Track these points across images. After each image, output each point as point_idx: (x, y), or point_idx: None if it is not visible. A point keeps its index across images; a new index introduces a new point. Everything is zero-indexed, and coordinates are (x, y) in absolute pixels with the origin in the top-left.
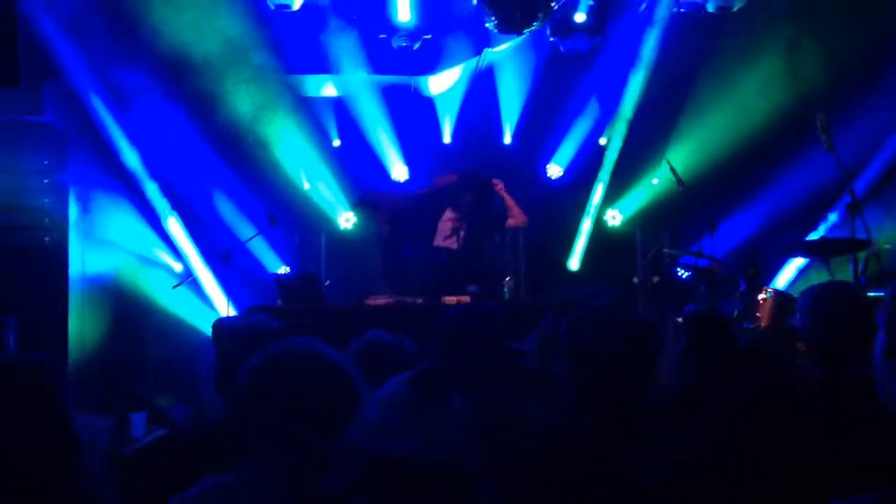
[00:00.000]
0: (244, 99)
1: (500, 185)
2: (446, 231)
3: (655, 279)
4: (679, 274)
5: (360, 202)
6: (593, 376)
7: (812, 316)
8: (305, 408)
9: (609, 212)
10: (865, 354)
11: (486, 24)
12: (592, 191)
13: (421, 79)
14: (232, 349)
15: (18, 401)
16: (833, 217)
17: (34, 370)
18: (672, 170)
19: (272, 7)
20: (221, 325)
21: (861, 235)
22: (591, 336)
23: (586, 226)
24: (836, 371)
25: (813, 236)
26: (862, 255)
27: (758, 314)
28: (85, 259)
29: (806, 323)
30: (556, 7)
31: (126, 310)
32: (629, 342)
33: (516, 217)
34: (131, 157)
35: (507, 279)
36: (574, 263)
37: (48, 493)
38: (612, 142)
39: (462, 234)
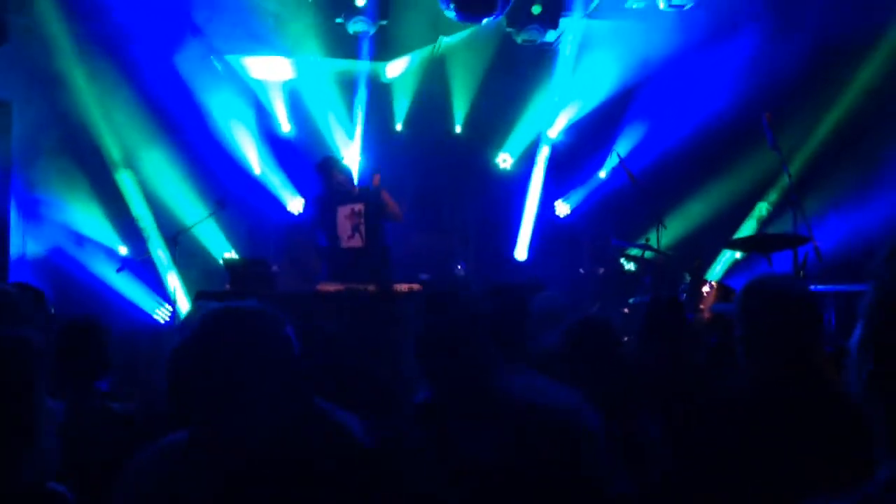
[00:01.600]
0: (192, 79)
1: (376, 179)
2: (347, 231)
3: (601, 270)
4: (624, 265)
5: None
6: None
7: (747, 310)
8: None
9: (557, 203)
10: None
11: (445, 12)
12: (539, 182)
13: (378, 64)
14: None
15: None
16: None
17: (22, 347)
18: (621, 163)
19: None
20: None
21: (802, 231)
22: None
23: (530, 216)
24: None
25: (746, 231)
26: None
27: (701, 305)
28: (26, 239)
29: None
30: None
31: (68, 292)
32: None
33: (395, 214)
34: (81, 135)
35: (459, 267)
36: (521, 253)
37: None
38: (563, 133)
39: (362, 229)
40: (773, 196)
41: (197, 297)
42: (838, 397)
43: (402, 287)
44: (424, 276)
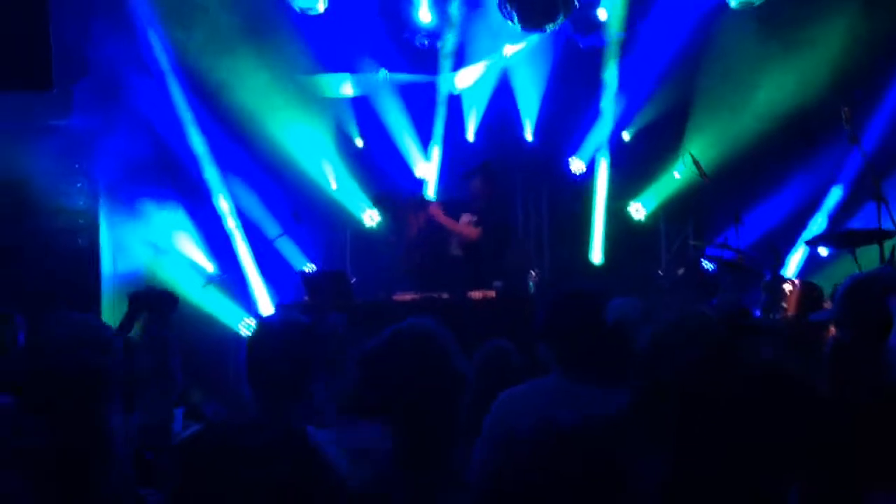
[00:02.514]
0: (268, 100)
1: (437, 211)
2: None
3: (680, 271)
4: (704, 266)
5: (379, 199)
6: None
7: (844, 305)
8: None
9: (633, 205)
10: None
11: (508, 22)
12: (604, 183)
13: (445, 76)
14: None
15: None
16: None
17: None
18: (695, 162)
19: (297, 10)
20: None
21: (887, 225)
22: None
23: (600, 219)
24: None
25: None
26: (889, 244)
27: (784, 304)
28: (117, 258)
29: (838, 312)
30: (577, 5)
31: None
32: None
33: (465, 235)
34: (163, 156)
35: (532, 273)
36: (596, 257)
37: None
38: (634, 135)
39: (464, 242)
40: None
41: (279, 309)
42: None
43: (477, 294)
44: (498, 283)
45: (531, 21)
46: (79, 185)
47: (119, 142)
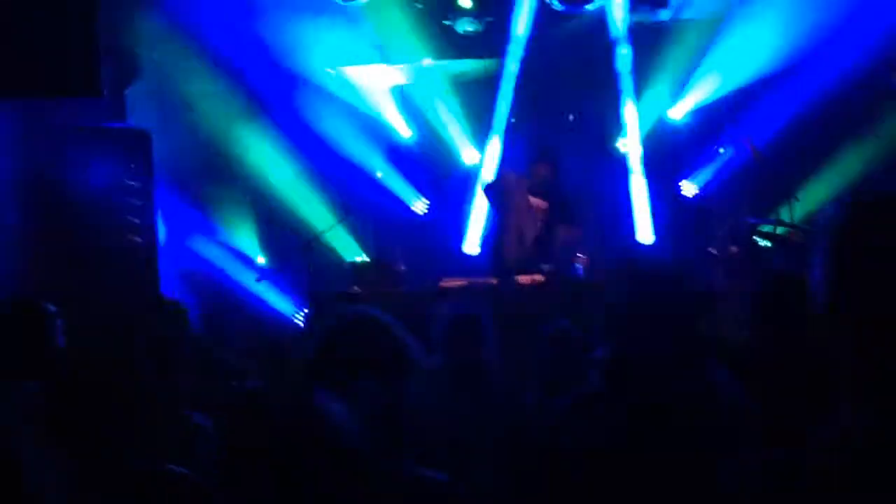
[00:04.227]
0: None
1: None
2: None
3: (734, 249)
4: (759, 243)
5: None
6: None
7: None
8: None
9: (684, 183)
10: None
11: (549, 2)
12: (637, 161)
13: (489, 61)
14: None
15: None
16: None
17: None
18: (752, 148)
19: (340, 3)
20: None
21: None
22: None
23: (642, 197)
24: None
25: None
26: None
27: None
28: (174, 256)
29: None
30: None
31: (214, 304)
32: None
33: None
34: (215, 153)
35: (580, 256)
36: (645, 237)
37: None
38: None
39: (539, 224)
40: None
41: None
42: None
43: (525, 279)
44: (546, 267)
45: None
46: (133, 183)
47: (171, 143)
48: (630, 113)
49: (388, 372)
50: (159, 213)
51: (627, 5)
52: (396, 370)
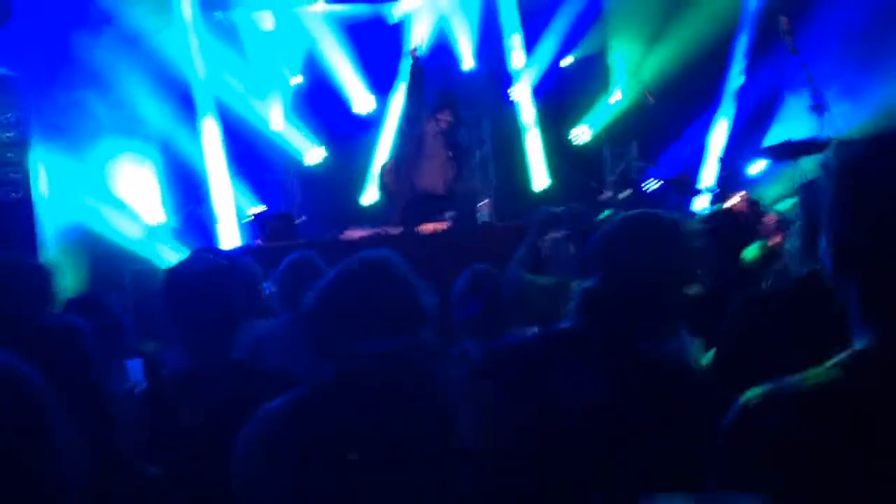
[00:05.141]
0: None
1: None
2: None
3: (627, 193)
4: (649, 186)
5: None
6: None
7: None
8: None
9: (576, 129)
10: None
11: None
12: (556, 110)
13: (384, 6)
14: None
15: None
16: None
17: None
18: (649, 96)
19: None
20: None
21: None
22: None
23: (537, 145)
24: None
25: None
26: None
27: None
28: (53, 211)
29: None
30: None
31: (100, 260)
32: None
33: None
34: (96, 103)
35: (483, 202)
36: (539, 184)
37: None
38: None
39: (449, 174)
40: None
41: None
42: None
43: (428, 227)
44: (450, 214)
45: None
46: (9, 135)
47: (52, 88)
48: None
49: None
50: (41, 166)
51: None
52: None
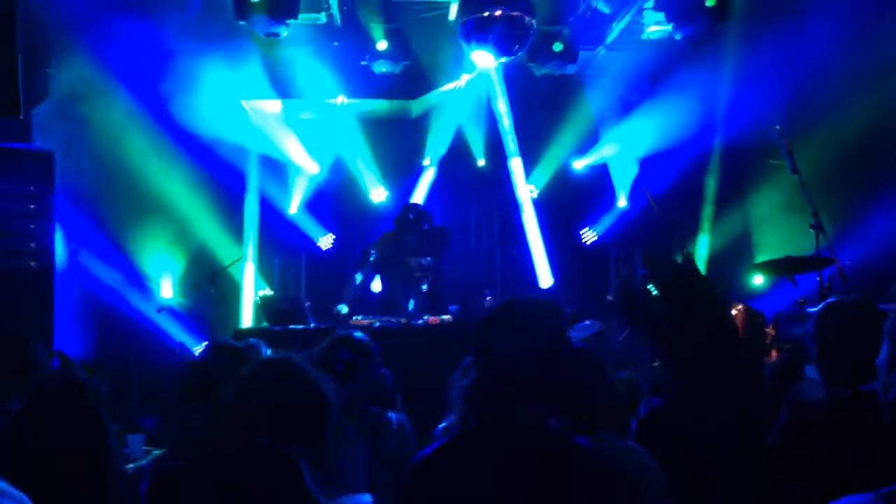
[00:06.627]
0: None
1: None
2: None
3: (609, 297)
4: (652, 291)
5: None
6: None
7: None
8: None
9: (584, 231)
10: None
11: (467, 51)
12: (530, 209)
13: (405, 102)
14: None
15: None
16: None
17: (77, 391)
18: (650, 199)
19: (262, 35)
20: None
21: (824, 253)
22: None
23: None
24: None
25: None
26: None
27: None
28: (71, 283)
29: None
30: (533, 35)
31: (111, 332)
32: None
33: None
34: (122, 181)
35: (488, 297)
36: (545, 281)
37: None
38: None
39: (430, 277)
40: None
41: (235, 335)
42: None
43: (434, 320)
44: (453, 308)
45: (503, 47)
46: (32, 206)
47: (75, 166)
48: (517, 168)
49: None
50: (61, 235)
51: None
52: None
